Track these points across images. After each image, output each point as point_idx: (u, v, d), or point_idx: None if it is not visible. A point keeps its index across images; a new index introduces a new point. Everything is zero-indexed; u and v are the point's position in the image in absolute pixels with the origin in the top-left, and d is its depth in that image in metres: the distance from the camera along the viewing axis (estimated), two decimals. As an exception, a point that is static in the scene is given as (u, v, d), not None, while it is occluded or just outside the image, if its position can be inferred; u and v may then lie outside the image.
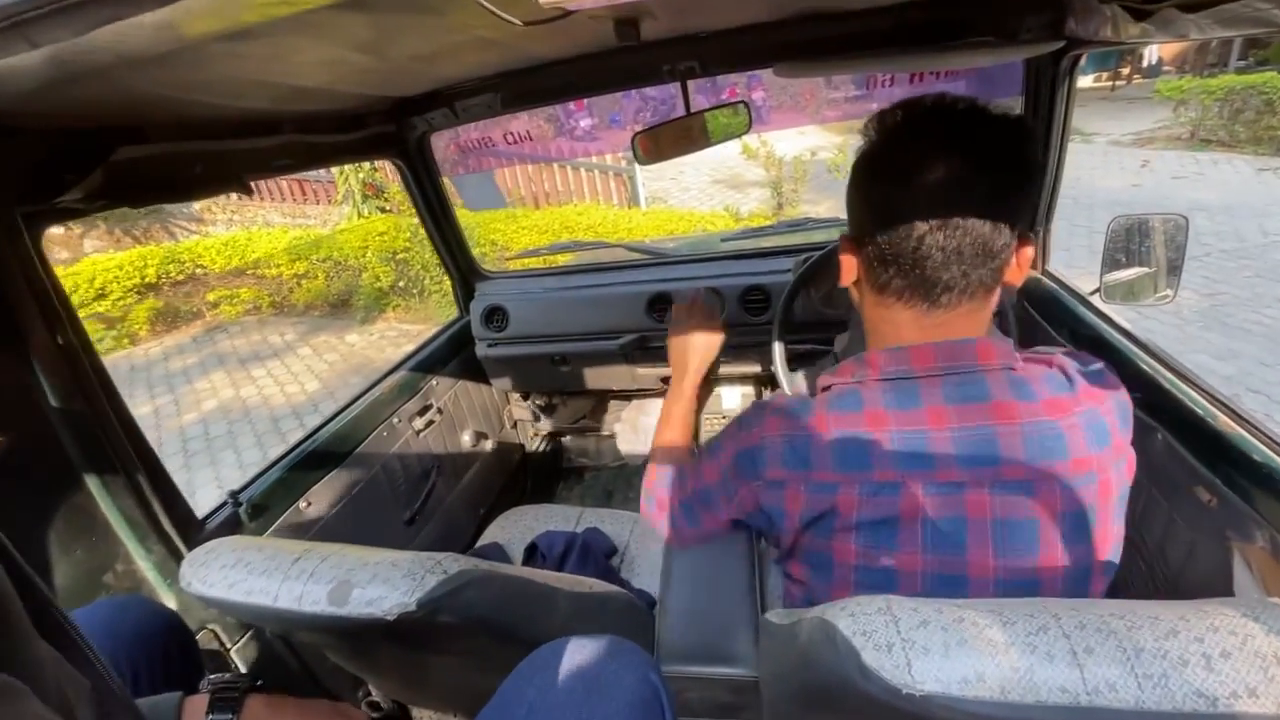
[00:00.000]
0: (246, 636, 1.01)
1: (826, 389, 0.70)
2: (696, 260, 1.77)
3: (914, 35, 1.05)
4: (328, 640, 0.85)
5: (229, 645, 0.99)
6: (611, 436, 2.25)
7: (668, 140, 1.25)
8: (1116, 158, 7.06)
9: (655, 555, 1.36)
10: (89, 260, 6.18)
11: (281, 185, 7.63)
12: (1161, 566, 0.92)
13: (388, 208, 6.55)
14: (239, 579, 0.66)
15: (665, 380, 1.92)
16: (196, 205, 7.76)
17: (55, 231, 6.24)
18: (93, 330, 5.30)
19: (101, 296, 5.85)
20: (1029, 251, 0.63)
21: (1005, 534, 0.58)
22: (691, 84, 1.22)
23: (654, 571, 1.32)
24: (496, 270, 1.91)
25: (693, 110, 1.23)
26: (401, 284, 5.74)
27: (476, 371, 1.89)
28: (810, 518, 0.65)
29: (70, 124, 0.71)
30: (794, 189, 5.39)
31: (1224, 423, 0.86)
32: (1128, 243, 1.24)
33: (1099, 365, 0.65)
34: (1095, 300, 1.26)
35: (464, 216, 5.51)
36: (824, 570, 0.66)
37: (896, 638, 0.44)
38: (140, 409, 4.51)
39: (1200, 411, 0.90)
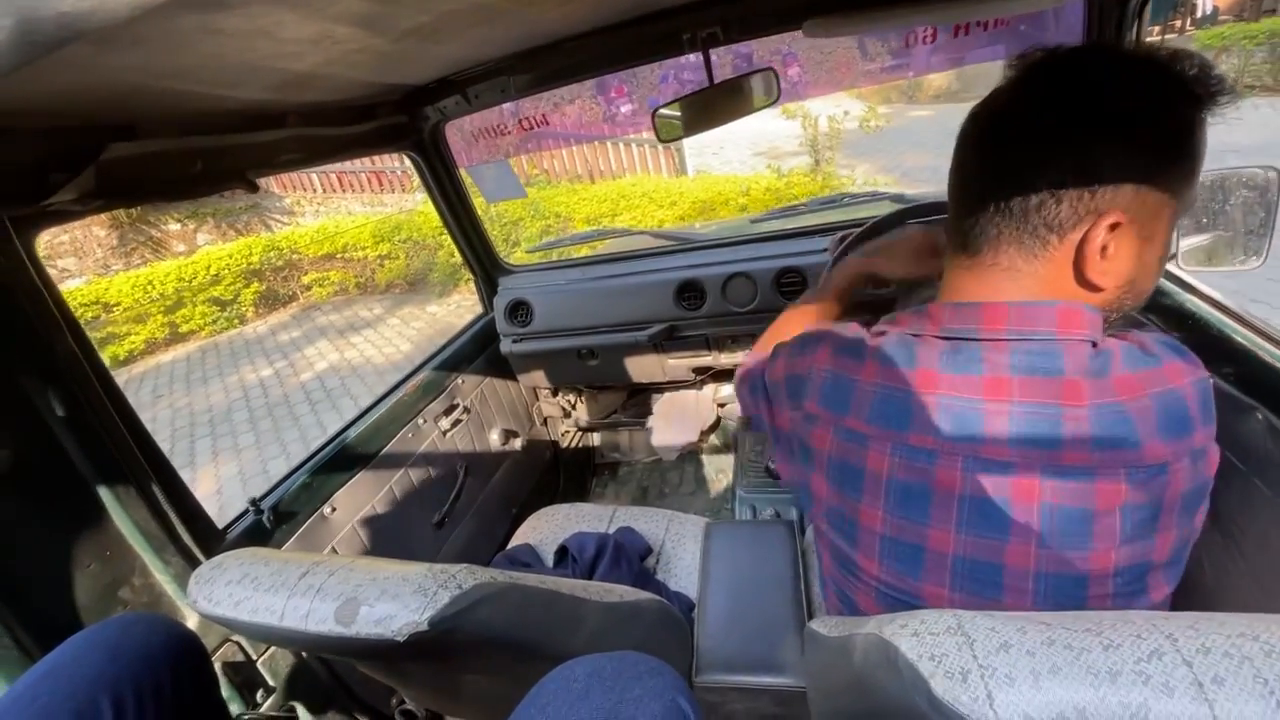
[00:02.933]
0: (272, 649, 0.98)
1: (881, 334, 0.63)
2: (726, 244, 1.69)
3: None
4: (346, 657, 0.81)
5: (254, 657, 0.97)
6: (645, 430, 2.19)
7: (691, 114, 1.18)
8: None
9: (692, 555, 1.30)
10: (204, 251, 7.00)
11: (360, 177, 8.24)
12: (1267, 567, 0.81)
13: None
14: (245, 596, 0.62)
15: (697, 371, 1.84)
16: (288, 199, 8.43)
17: (51, 233, 6.78)
18: (207, 312, 6.49)
19: (216, 282, 6.70)
20: (1106, 239, 0.52)
21: (1055, 523, 0.51)
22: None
23: (692, 572, 1.26)
24: (519, 263, 1.86)
25: (716, 81, 1.15)
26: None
27: (503, 368, 1.85)
28: (836, 462, 0.61)
29: (55, 122, 0.68)
30: (830, 150, 5.46)
31: None
32: (1210, 201, 1.11)
33: (1177, 344, 0.56)
34: (1173, 268, 1.14)
35: (530, 192, 6.17)
36: (851, 535, 0.61)
37: (973, 663, 0.37)
38: (262, 372, 5.55)
39: None
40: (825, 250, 1.48)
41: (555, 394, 2.19)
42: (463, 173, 1.61)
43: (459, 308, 6.15)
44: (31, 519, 0.73)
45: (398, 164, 7.85)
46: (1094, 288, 0.54)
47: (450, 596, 0.56)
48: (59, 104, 0.64)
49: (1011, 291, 0.56)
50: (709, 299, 1.61)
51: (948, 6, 0.97)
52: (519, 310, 1.78)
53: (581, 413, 2.26)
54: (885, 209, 1.50)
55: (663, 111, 1.21)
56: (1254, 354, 0.87)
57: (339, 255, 6.91)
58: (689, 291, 1.63)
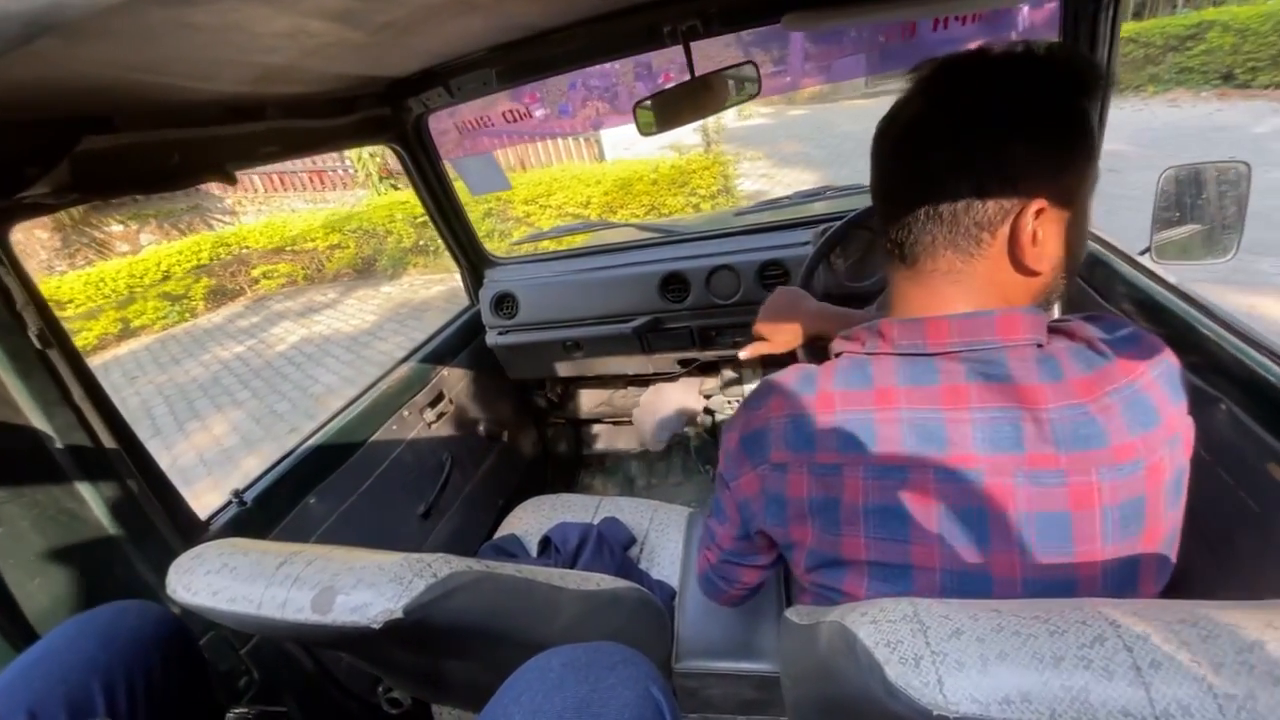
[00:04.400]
0: (257, 639, 0.99)
1: (838, 355, 0.64)
2: (709, 237, 1.70)
3: None
4: (327, 646, 0.82)
5: (240, 648, 0.98)
6: (630, 422, 2.20)
7: (673, 108, 1.18)
8: None
9: (675, 544, 1.32)
10: (152, 249, 7.40)
11: (301, 176, 8.69)
12: (1231, 558, 0.83)
13: (400, 186, 7.68)
14: (223, 585, 0.63)
15: (682, 363, 1.86)
16: (229, 199, 8.82)
17: (37, 228, 7.75)
18: (159, 307, 6.89)
19: (166, 278, 7.08)
20: (1033, 224, 0.54)
21: (1034, 528, 0.51)
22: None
23: (675, 561, 1.28)
24: (504, 256, 1.86)
25: (697, 75, 1.16)
26: (421, 243, 7.13)
27: (489, 361, 1.85)
28: (819, 503, 0.59)
29: (27, 115, 0.68)
30: (717, 136, 6.82)
31: None
32: (1180, 195, 1.13)
33: (1129, 329, 0.56)
34: (1146, 261, 1.15)
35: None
36: (836, 570, 0.60)
37: (925, 650, 0.38)
38: (235, 349, 6.01)
39: (1273, 379, 0.80)
40: (807, 243, 1.49)
41: (541, 386, 2.20)
42: (447, 165, 1.61)
43: (410, 286, 6.80)
44: (10, 509, 0.74)
45: (338, 163, 8.33)
46: (1031, 273, 0.56)
47: (425, 585, 0.57)
48: (32, 97, 0.64)
49: (953, 298, 0.58)
50: (693, 291, 1.62)
51: (924, 3, 0.98)
52: (505, 302, 1.78)
53: (569, 404, 2.27)
54: (867, 201, 1.51)
55: (643, 105, 1.21)
56: (1220, 346, 0.89)
57: (288, 248, 7.34)
58: (673, 284, 1.64)
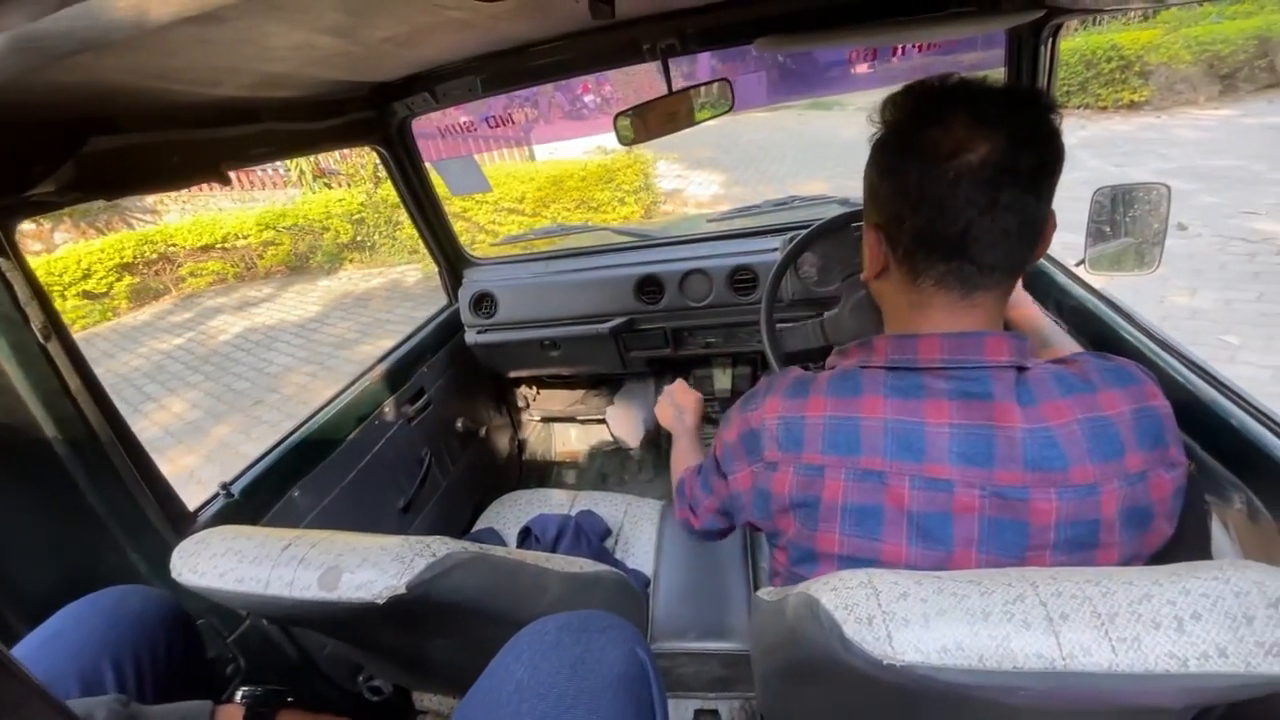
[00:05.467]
0: (244, 626, 1.02)
1: (831, 368, 0.69)
2: (682, 242, 1.77)
3: (897, 7, 1.04)
4: (324, 626, 0.86)
5: (227, 635, 1.00)
6: (604, 420, 2.26)
7: (652, 121, 1.24)
8: (855, 117, 9.64)
9: (649, 536, 1.38)
10: (72, 247, 7.27)
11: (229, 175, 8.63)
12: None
13: (333, 185, 7.86)
14: (230, 567, 0.67)
15: (656, 363, 1.92)
16: (149, 198, 8.63)
17: (26, 226, 6.95)
18: (79, 305, 6.76)
19: (86, 277, 6.95)
20: (1053, 226, 0.61)
21: (994, 531, 0.56)
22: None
23: (648, 552, 1.34)
24: (484, 256, 1.90)
25: (674, 90, 1.22)
26: (358, 239, 7.25)
27: (467, 359, 1.89)
28: (799, 500, 0.63)
29: (38, 116, 0.70)
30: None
31: (1204, 390, 0.87)
32: (1111, 213, 1.24)
33: (1131, 372, 0.60)
34: (1080, 271, 1.26)
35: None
36: (809, 562, 0.65)
37: (877, 610, 0.45)
38: (174, 342, 6.01)
39: (1181, 379, 0.90)
40: (776, 250, 1.57)
41: (518, 385, 2.24)
42: (428, 166, 1.64)
43: (350, 280, 6.95)
44: (8, 496, 0.76)
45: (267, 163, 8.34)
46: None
47: (426, 563, 0.62)
48: (44, 99, 0.67)
49: (960, 322, 0.62)
50: (667, 294, 1.68)
51: (887, 31, 1.07)
52: (483, 302, 1.82)
53: (544, 403, 2.31)
54: (832, 211, 1.60)
55: (622, 117, 1.27)
56: (1140, 351, 0.99)
57: (218, 245, 7.34)
58: (648, 286, 1.70)
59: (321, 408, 1.37)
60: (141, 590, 0.75)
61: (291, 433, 1.27)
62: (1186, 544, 0.85)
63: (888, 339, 0.64)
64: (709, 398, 2.02)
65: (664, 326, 1.75)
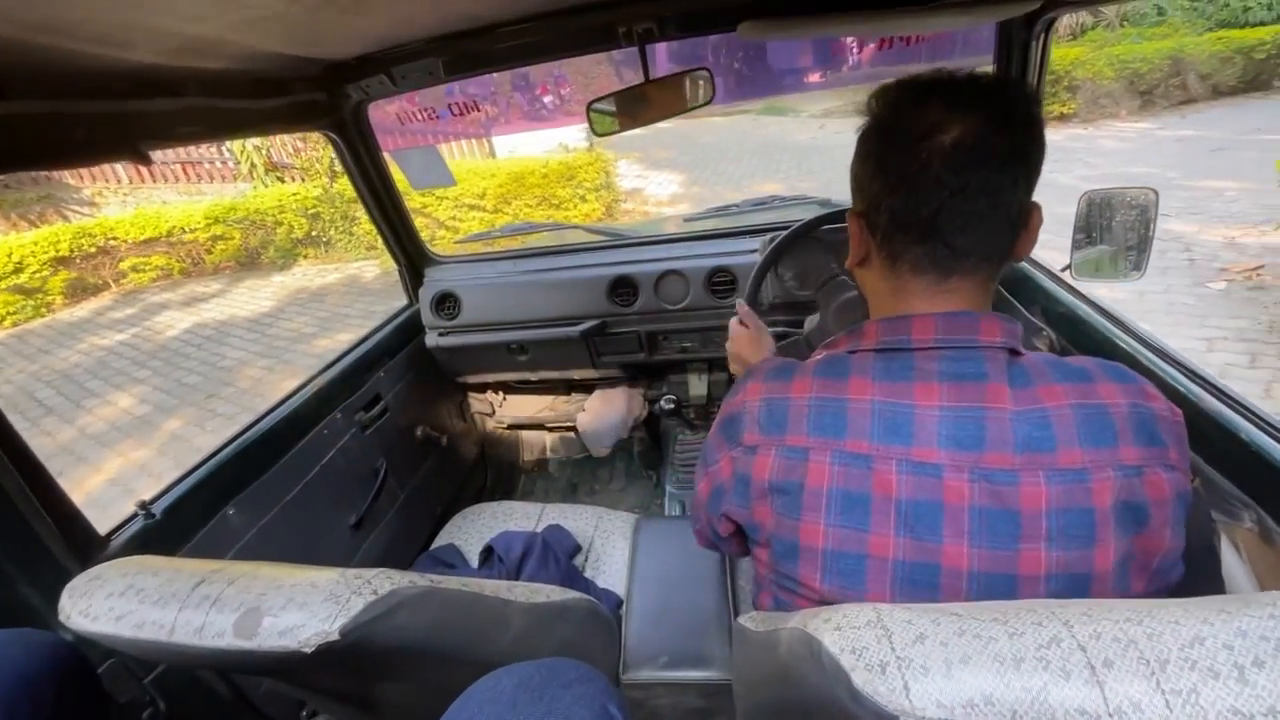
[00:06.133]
0: (164, 666, 0.90)
1: (819, 356, 0.66)
2: (659, 241, 1.70)
3: None
4: (249, 672, 0.75)
5: (143, 676, 0.88)
6: (574, 428, 2.17)
7: (630, 109, 1.17)
8: (808, 123, 11.07)
9: (621, 552, 1.30)
10: (1, 239, 6.85)
11: (173, 168, 8.36)
12: None
13: (285, 179, 7.54)
14: (128, 610, 0.57)
15: (628, 367, 1.85)
16: (88, 190, 8.31)
17: None
18: (10, 300, 6.43)
19: (18, 270, 6.54)
20: (1038, 219, 0.60)
21: (984, 523, 0.54)
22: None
23: (621, 568, 1.26)
24: (447, 254, 1.80)
25: (651, 78, 1.15)
26: (314, 234, 7.02)
27: (428, 363, 1.78)
28: (779, 485, 0.61)
29: None
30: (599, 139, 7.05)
31: (1207, 400, 0.83)
32: (1098, 218, 1.21)
33: (1135, 375, 0.59)
34: (1066, 276, 1.23)
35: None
36: (792, 556, 0.61)
37: (891, 655, 0.39)
38: (116, 338, 5.71)
39: (1181, 389, 0.86)
40: (755, 251, 1.51)
41: (483, 390, 2.14)
42: (387, 157, 1.54)
43: (305, 275, 6.74)
44: None
45: (215, 154, 8.07)
46: (1018, 257, 0.62)
47: (364, 603, 0.53)
48: None
49: (951, 302, 0.60)
50: (641, 296, 1.61)
51: (875, 21, 1.01)
52: (446, 302, 1.72)
53: (510, 409, 2.21)
54: (813, 211, 1.55)
55: (596, 106, 1.19)
56: (1132, 357, 0.96)
57: (163, 239, 7.00)
58: (622, 288, 1.62)
59: (262, 416, 1.25)
60: (24, 636, 0.64)
61: (226, 444, 1.15)
62: (1194, 567, 0.80)
63: (878, 322, 0.63)
64: (684, 405, 1.95)
65: (638, 330, 1.67)
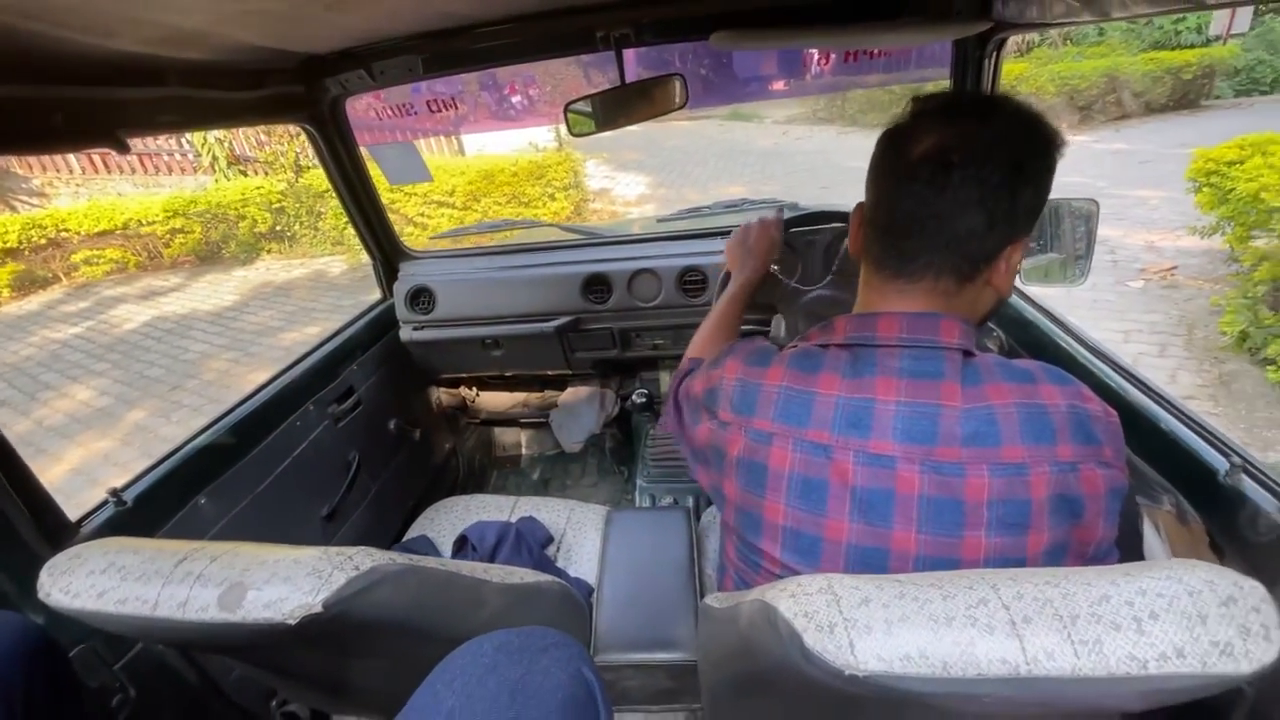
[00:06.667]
0: (135, 651, 0.90)
1: (794, 348, 0.70)
2: (632, 240, 1.73)
3: (852, 9, 1.04)
4: (228, 650, 0.76)
5: (113, 662, 0.88)
6: (547, 424, 2.19)
7: (606, 112, 1.20)
8: (771, 129, 11.84)
9: (593, 543, 1.33)
10: None
11: (131, 159, 8.04)
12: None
13: (249, 173, 7.44)
14: (110, 586, 0.58)
15: (601, 364, 1.88)
16: (38, 180, 8.01)
17: None
18: None
19: None
20: (1013, 258, 0.63)
21: (931, 512, 0.58)
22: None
23: (592, 559, 1.29)
24: (422, 249, 1.80)
25: (628, 81, 1.19)
26: (278, 228, 6.91)
27: (401, 357, 1.78)
28: (745, 462, 0.66)
29: None
30: (568, 139, 6.99)
31: (1134, 395, 0.90)
32: (1047, 226, 1.29)
33: (1075, 380, 0.63)
34: (1016, 282, 1.30)
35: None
36: (755, 528, 0.67)
37: (839, 617, 0.43)
38: (71, 330, 5.57)
39: (1114, 385, 0.94)
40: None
41: (456, 385, 2.14)
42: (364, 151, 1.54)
43: (269, 270, 6.65)
44: None
45: (175, 145, 7.90)
46: (998, 295, 0.66)
47: (346, 578, 0.55)
48: None
49: (915, 304, 0.64)
50: (615, 293, 1.64)
51: (839, 35, 1.07)
52: (421, 297, 1.72)
53: (483, 404, 2.22)
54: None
55: (574, 107, 1.22)
56: (1071, 355, 1.03)
57: (118, 231, 6.85)
58: (596, 285, 1.65)
59: (235, 406, 1.25)
60: None
61: (198, 433, 1.15)
62: (1120, 545, 0.87)
63: (848, 318, 0.67)
64: (656, 401, 1.99)
65: (611, 327, 1.70)
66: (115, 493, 0.95)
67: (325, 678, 0.86)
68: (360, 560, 0.57)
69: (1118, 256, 4.62)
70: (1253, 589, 0.41)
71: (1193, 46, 10.38)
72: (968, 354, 0.62)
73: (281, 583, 0.55)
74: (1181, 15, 10.54)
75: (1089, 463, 0.58)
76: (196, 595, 0.55)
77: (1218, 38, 10.81)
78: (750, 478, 0.65)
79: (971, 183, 0.59)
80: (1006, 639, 0.40)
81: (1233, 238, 3.58)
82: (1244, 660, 0.38)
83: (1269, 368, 2.98)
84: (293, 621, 0.53)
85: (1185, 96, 9.79)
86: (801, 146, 9.79)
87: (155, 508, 1.01)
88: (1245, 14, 10.55)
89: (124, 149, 0.85)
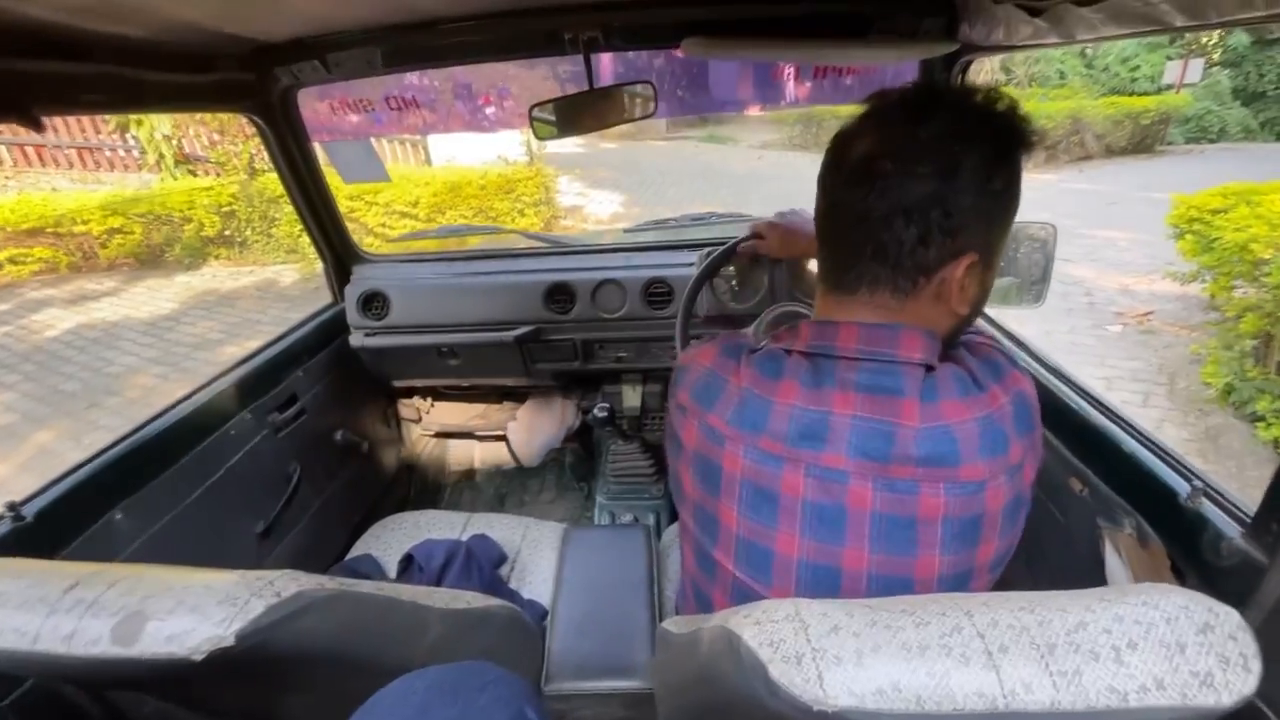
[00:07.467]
0: (25, 687, 0.80)
1: (762, 346, 0.67)
2: (597, 251, 1.70)
3: (821, 24, 1.04)
4: (131, 687, 0.68)
5: (2, 699, 0.79)
6: (504, 438, 2.12)
7: (573, 116, 1.17)
8: (747, 154, 11.97)
9: (549, 562, 1.27)
10: None
11: (67, 153, 7.58)
12: (1039, 557, 0.96)
13: (198, 173, 7.00)
14: None
15: (562, 376, 1.83)
16: None
17: None
18: None
19: None
20: (960, 272, 0.56)
21: (884, 530, 0.56)
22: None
23: (547, 580, 1.23)
24: (377, 253, 1.73)
25: (595, 87, 1.16)
26: (227, 233, 6.49)
27: (351, 364, 1.70)
28: (701, 456, 0.64)
29: None
30: (540, 153, 7.23)
31: (1094, 416, 0.90)
32: (1006, 250, 1.31)
33: (997, 362, 0.62)
34: None
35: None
36: (712, 533, 0.65)
37: (806, 647, 0.40)
38: None
39: (1073, 405, 0.94)
40: (692, 264, 1.54)
41: (410, 395, 2.06)
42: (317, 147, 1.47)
43: (214, 277, 6.29)
44: None
45: (119, 140, 7.43)
46: (955, 315, 0.60)
47: (265, 606, 0.49)
48: None
49: (870, 314, 0.60)
50: (578, 303, 1.60)
51: (806, 49, 1.06)
52: (374, 302, 1.65)
53: (438, 416, 2.14)
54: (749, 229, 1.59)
55: (537, 111, 1.19)
56: (1034, 378, 1.03)
57: (49, 229, 6.33)
58: (559, 295, 1.61)
59: (161, 412, 1.15)
60: None
61: (118, 441, 1.05)
62: (1082, 568, 0.87)
63: (811, 324, 0.64)
64: (618, 415, 1.95)
65: (573, 338, 1.66)
66: (13, 506, 0.86)
67: (247, 713, 0.78)
68: (283, 586, 0.51)
69: (1094, 299, 4.64)
70: (1227, 615, 0.40)
71: (1146, 94, 11.13)
72: (929, 368, 0.58)
73: (188, 612, 0.48)
74: (1135, 65, 11.23)
75: (1028, 456, 0.59)
76: (86, 627, 0.48)
77: (1169, 86, 11.66)
78: (706, 473, 0.64)
79: (897, 190, 0.54)
80: (983, 670, 0.38)
81: (1215, 286, 3.49)
82: (1224, 692, 0.37)
83: (1258, 424, 2.85)
84: (198, 658, 0.46)
85: (1143, 141, 10.47)
86: (778, 172, 9.81)
87: (61, 523, 0.91)
88: (1197, 65, 11.39)
89: (37, 127, 0.77)
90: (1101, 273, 5.13)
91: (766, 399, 0.60)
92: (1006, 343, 1.20)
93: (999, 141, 0.55)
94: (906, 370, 0.58)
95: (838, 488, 0.57)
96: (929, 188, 0.53)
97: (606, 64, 1.33)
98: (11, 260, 6.28)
